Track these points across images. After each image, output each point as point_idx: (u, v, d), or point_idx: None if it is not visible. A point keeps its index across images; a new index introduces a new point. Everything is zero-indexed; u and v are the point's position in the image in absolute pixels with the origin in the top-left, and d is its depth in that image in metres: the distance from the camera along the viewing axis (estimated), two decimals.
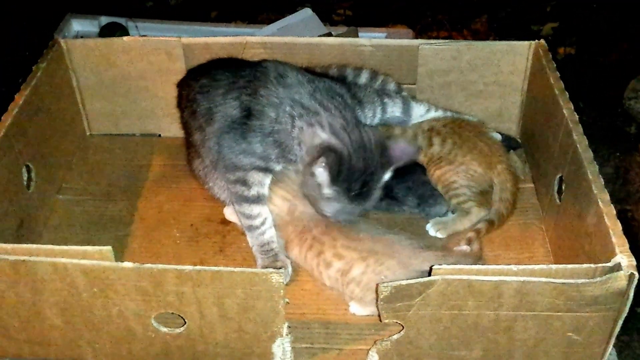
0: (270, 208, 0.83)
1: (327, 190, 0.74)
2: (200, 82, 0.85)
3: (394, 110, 0.90)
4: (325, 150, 0.73)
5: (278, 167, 0.79)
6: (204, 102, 0.82)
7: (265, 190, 0.80)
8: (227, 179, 0.80)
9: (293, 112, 0.75)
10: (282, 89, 0.76)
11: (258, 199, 0.80)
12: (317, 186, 0.75)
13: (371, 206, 0.78)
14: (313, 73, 0.85)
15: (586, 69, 1.55)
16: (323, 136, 0.74)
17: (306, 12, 1.44)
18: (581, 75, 1.49)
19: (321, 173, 0.73)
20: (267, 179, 0.80)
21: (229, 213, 0.90)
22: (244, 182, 0.79)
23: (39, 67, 0.94)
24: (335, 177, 0.73)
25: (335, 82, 0.82)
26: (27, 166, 0.89)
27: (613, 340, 0.70)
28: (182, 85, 0.96)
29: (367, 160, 0.74)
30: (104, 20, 1.43)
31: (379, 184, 0.77)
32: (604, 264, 0.65)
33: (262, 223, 0.82)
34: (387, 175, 0.78)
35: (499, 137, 0.98)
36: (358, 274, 0.77)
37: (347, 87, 0.84)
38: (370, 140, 0.75)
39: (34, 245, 0.67)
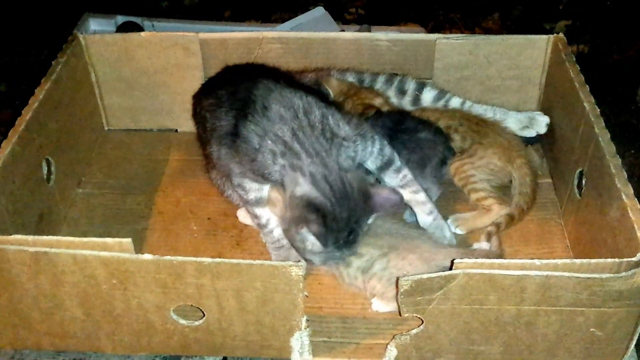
0: (275, 212, 0.84)
1: (314, 248, 0.74)
2: (208, 101, 0.88)
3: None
4: (310, 210, 0.71)
5: (267, 183, 0.80)
6: (210, 119, 0.86)
7: (263, 194, 0.82)
8: (233, 185, 0.84)
9: (275, 148, 0.75)
10: (266, 121, 0.76)
11: (256, 203, 0.83)
12: (303, 241, 0.74)
13: (356, 251, 0.77)
14: (308, 91, 0.82)
15: (600, 67, 1.53)
16: (305, 187, 0.73)
17: (319, 11, 1.44)
18: (595, 72, 1.47)
19: (307, 235, 0.73)
20: (264, 187, 0.82)
21: (243, 216, 0.91)
22: (242, 187, 0.82)
23: (59, 61, 0.95)
24: (323, 236, 0.71)
25: (326, 112, 0.78)
26: (47, 160, 0.90)
27: (636, 337, 0.69)
28: (195, 100, 0.98)
29: (351, 210, 0.73)
30: (120, 19, 1.44)
31: (363, 229, 0.76)
32: (629, 259, 0.64)
33: (268, 222, 0.84)
34: (370, 220, 0.76)
35: (546, 119, 0.98)
36: (379, 269, 0.77)
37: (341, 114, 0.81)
38: (353, 188, 0.74)
39: (54, 237, 0.67)
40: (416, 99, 0.98)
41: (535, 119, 0.99)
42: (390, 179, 0.84)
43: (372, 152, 0.81)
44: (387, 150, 0.84)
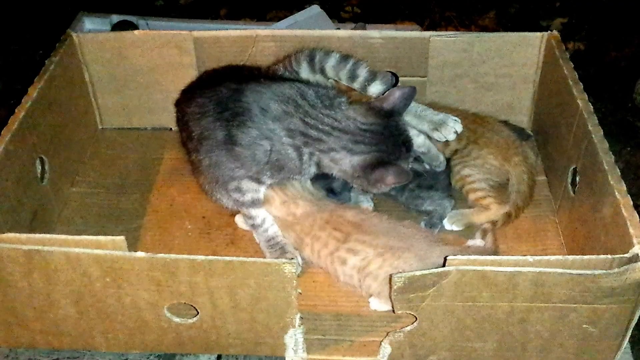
0: (272, 212, 0.85)
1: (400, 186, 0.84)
2: (190, 109, 0.88)
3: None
4: (374, 170, 0.77)
5: (270, 182, 0.83)
6: (196, 128, 0.86)
7: (259, 196, 0.84)
8: (227, 189, 0.84)
9: (295, 142, 0.78)
10: (270, 122, 0.78)
11: (253, 204, 0.84)
12: (387, 188, 0.82)
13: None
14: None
15: (596, 64, 1.54)
16: (349, 159, 0.78)
17: (314, 9, 1.44)
18: (591, 70, 1.47)
19: (389, 185, 0.80)
20: (261, 188, 0.83)
21: (241, 222, 0.91)
22: (239, 190, 0.83)
23: (52, 60, 0.94)
24: (404, 175, 0.78)
25: (315, 88, 0.82)
26: (41, 158, 0.90)
27: (629, 333, 0.69)
28: (177, 106, 0.98)
29: (389, 136, 0.79)
30: (115, 18, 1.44)
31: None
32: (621, 255, 0.64)
33: (263, 222, 0.85)
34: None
35: (458, 127, 0.89)
36: (375, 268, 0.77)
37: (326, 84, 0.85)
38: (375, 122, 0.79)
39: (48, 235, 0.68)
40: (364, 89, 0.95)
41: (446, 124, 0.90)
42: None
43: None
44: None
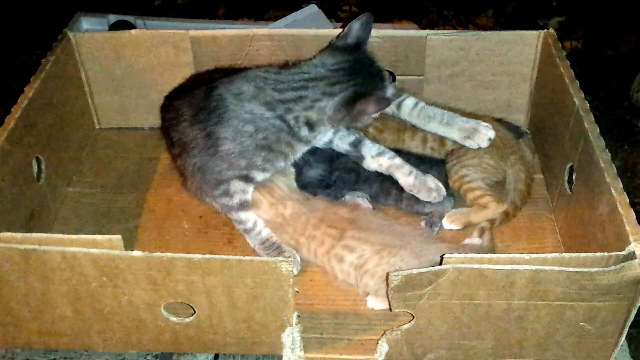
0: (260, 215, 0.85)
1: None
2: (168, 115, 0.89)
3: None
4: (354, 104, 0.77)
5: (260, 177, 0.82)
6: (175, 134, 0.86)
7: (247, 197, 0.83)
8: (213, 195, 0.83)
9: (278, 112, 0.78)
10: (247, 103, 0.78)
11: (241, 206, 0.83)
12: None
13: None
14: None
15: (593, 63, 1.54)
16: (330, 103, 0.78)
17: (312, 9, 1.44)
18: (588, 68, 1.48)
19: (372, 114, 0.80)
20: (249, 187, 0.83)
21: None
22: (227, 193, 0.82)
23: (49, 60, 0.94)
24: (382, 100, 0.79)
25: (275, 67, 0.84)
26: (37, 158, 0.89)
27: (626, 331, 0.69)
28: (160, 112, 0.98)
29: (364, 68, 0.81)
30: (113, 18, 1.44)
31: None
32: (617, 253, 0.64)
33: (254, 225, 0.85)
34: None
35: (491, 133, 0.88)
36: (372, 266, 0.77)
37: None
38: (348, 59, 0.80)
39: (44, 235, 0.67)
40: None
41: (478, 131, 0.88)
42: (368, 149, 0.89)
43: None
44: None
